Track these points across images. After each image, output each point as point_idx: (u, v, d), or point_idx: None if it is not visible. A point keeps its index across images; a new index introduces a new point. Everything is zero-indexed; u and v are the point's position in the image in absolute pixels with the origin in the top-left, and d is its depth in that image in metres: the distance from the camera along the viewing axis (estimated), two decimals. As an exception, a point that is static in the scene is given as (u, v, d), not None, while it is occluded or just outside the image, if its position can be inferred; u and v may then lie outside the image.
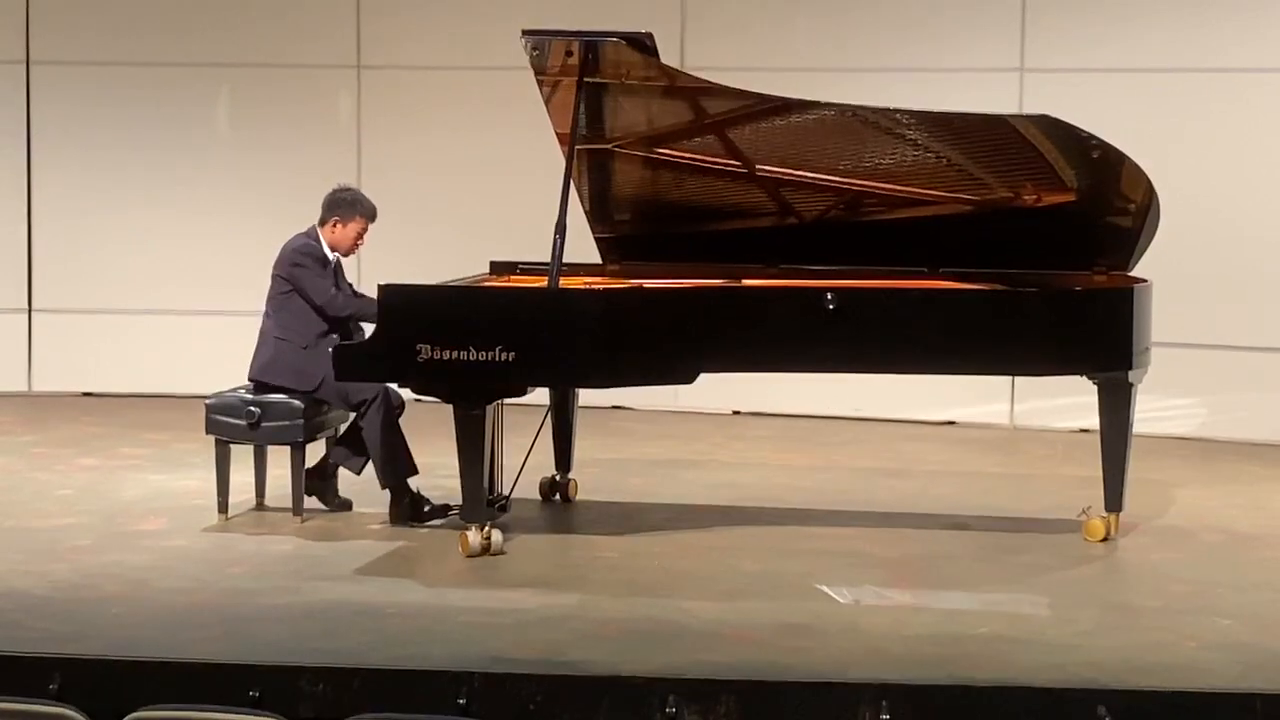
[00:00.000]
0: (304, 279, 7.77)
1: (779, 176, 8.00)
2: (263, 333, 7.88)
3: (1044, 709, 5.55)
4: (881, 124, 7.77)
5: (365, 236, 7.94)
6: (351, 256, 8.05)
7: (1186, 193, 8.94)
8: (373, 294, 7.34)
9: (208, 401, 7.83)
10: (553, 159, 7.73)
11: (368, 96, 11.11)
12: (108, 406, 10.74)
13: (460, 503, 7.36)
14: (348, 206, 7.89)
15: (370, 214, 7.91)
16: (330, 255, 7.88)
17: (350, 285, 8.00)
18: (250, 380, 7.83)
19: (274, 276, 7.86)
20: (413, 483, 7.77)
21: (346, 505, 7.95)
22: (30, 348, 11.25)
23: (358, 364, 7.31)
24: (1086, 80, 10.06)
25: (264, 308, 7.88)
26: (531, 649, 5.97)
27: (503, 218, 10.25)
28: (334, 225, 7.87)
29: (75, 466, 8.96)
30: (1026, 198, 7.83)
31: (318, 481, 7.89)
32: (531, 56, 7.57)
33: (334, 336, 7.73)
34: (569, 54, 7.49)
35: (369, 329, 7.58)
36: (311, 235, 7.88)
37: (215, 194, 11.07)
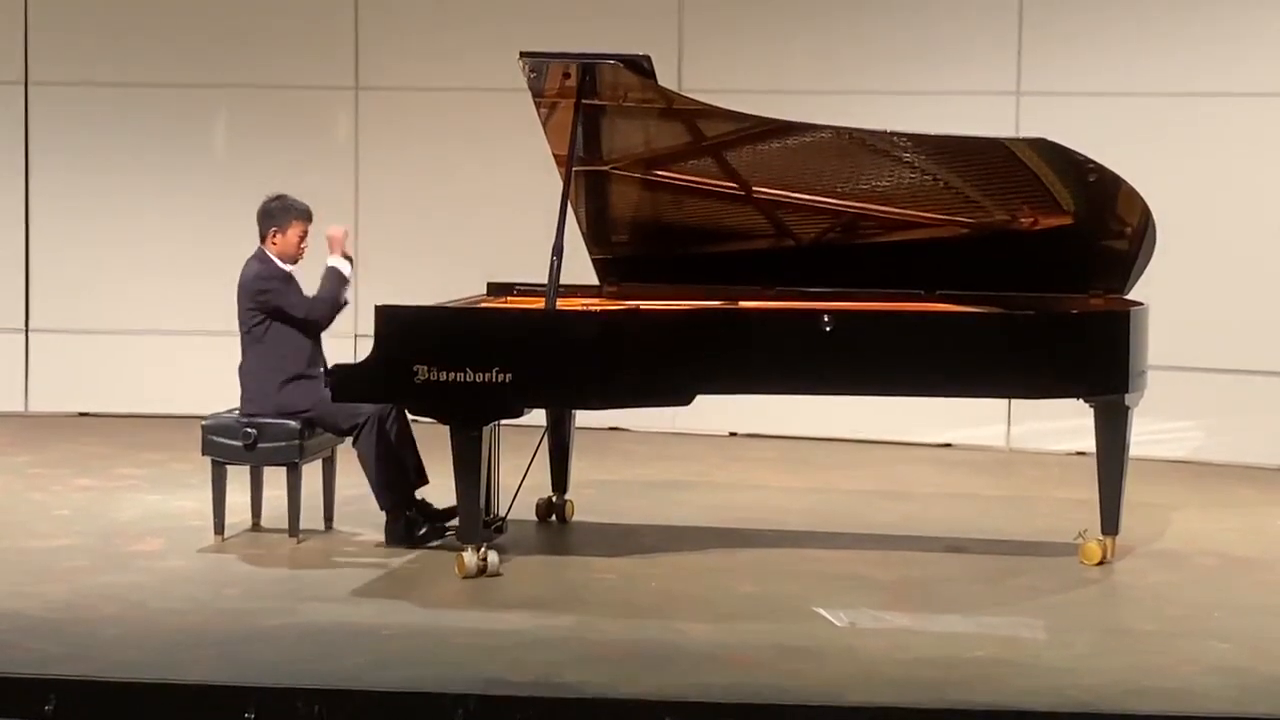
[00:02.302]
0: (278, 299, 7.72)
1: (776, 199, 8.01)
2: (240, 368, 7.83)
3: (1040, 732, 5.56)
4: (878, 146, 7.79)
5: (308, 239, 7.87)
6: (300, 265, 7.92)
7: (1182, 216, 8.94)
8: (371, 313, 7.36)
9: (204, 422, 7.82)
10: (550, 181, 7.74)
11: (366, 118, 11.12)
12: (104, 427, 10.73)
13: (457, 523, 7.37)
14: (281, 214, 7.86)
15: (305, 215, 7.86)
16: (284, 269, 7.83)
17: None
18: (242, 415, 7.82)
19: (243, 309, 7.81)
20: (420, 494, 7.74)
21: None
22: (27, 367, 11.24)
23: (355, 385, 7.31)
24: (1083, 104, 10.07)
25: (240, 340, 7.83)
26: (528, 670, 5.96)
27: (500, 239, 10.26)
28: (274, 236, 7.83)
29: (72, 487, 8.95)
30: (1023, 221, 7.84)
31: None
32: (529, 79, 7.59)
33: (311, 373, 7.67)
34: (567, 76, 7.51)
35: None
36: (260, 257, 7.82)
37: (213, 215, 11.05)
